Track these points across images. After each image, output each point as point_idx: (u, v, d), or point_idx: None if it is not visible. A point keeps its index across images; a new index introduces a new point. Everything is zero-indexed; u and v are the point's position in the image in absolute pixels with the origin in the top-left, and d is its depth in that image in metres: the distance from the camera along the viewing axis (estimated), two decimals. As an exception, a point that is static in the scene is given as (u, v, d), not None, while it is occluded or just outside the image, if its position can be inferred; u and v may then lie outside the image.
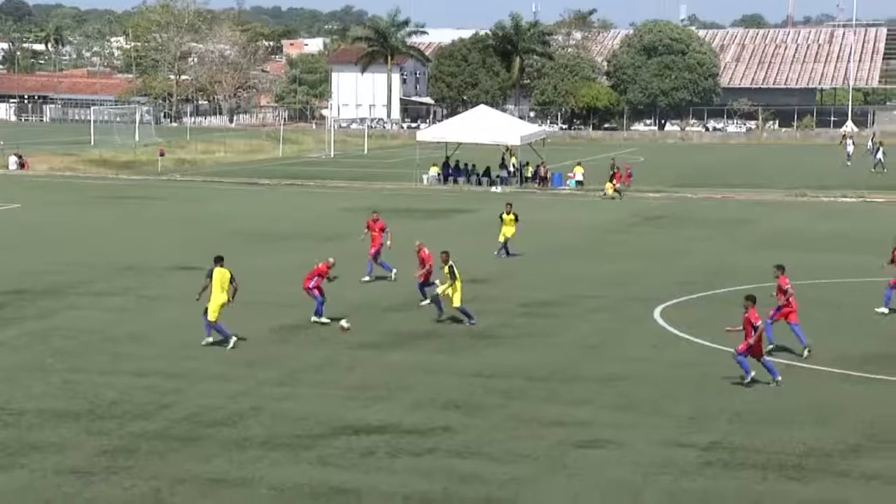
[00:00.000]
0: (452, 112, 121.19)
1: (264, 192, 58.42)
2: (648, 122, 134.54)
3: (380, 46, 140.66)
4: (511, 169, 64.04)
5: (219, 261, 23.45)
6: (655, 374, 21.48)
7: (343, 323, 24.72)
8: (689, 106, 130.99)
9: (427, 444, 17.07)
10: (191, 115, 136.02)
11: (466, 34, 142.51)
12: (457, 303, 25.30)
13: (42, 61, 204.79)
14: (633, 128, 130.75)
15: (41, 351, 22.63)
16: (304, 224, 44.57)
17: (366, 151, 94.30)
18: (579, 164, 65.75)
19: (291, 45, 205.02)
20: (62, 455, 16.30)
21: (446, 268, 25.29)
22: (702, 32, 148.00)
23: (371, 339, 24.07)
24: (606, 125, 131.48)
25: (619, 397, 19.81)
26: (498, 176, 63.36)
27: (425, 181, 63.91)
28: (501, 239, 36.26)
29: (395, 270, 31.54)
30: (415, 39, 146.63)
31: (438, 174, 64.60)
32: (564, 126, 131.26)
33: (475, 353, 23.02)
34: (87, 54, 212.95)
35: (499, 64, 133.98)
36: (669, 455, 16.65)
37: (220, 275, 23.17)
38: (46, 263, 32.87)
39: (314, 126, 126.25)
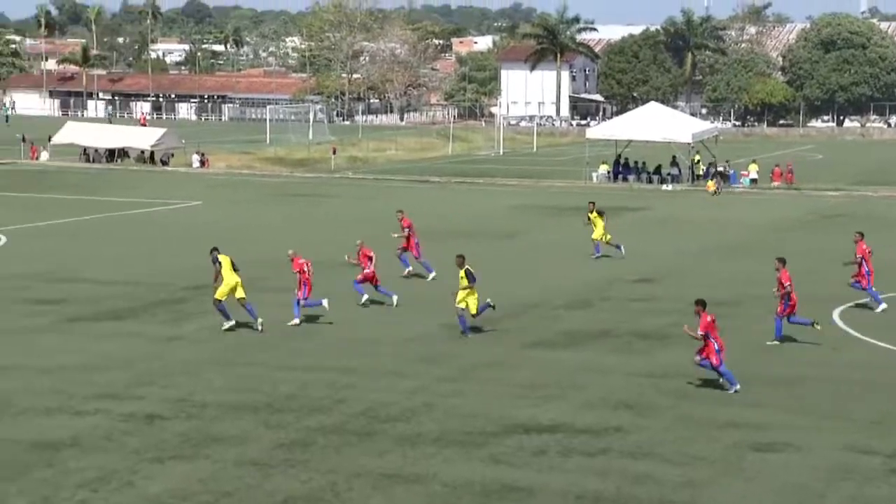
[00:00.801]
0: (622, 109, 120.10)
1: (434, 190, 58.92)
2: (826, 118, 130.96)
3: (549, 43, 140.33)
4: (691, 166, 63.00)
5: (216, 250, 24.67)
6: (835, 376, 20.90)
7: (324, 303, 25.01)
8: (869, 101, 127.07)
9: (599, 444, 16.97)
10: (362, 114, 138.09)
11: (637, 30, 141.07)
12: (473, 310, 24.04)
13: (221, 62, 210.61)
14: (809, 124, 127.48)
15: (220, 345, 23.26)
16: (474, 221, 44.77)
17: (535, 149, 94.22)
18: (754, 161, 64.47)
19: (461, 42, 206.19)
20: (242, 447, 16.74)
21: (462, 272, 24.10)
22: (883, 25, 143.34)
23: (542, 338, 24.05)
24: (781, 122, 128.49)
25: (796, 400, 19.34)
26: (668, 174, 62.55)
27: (595, 179, 63.51)
28: (596, 238, 35.15)
29: (433, 273, 31.06)
30: (584, 36, 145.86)
31: (608, 172, 64.14)
32: (738, 123, 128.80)
33: (646, 353, 22.78)
34: (264, 54, 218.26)
35: (670, 60, 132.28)
36: (852, 461, 16.18)
37: (225, 259, 24.34)
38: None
39: (483, 124, 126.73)
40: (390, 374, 21.07)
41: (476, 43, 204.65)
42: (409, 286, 29.73)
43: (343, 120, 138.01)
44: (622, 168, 64.22)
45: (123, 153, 72.22)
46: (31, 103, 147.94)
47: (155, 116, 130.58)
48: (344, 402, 19.15)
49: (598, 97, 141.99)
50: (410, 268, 31.70)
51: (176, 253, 35.27)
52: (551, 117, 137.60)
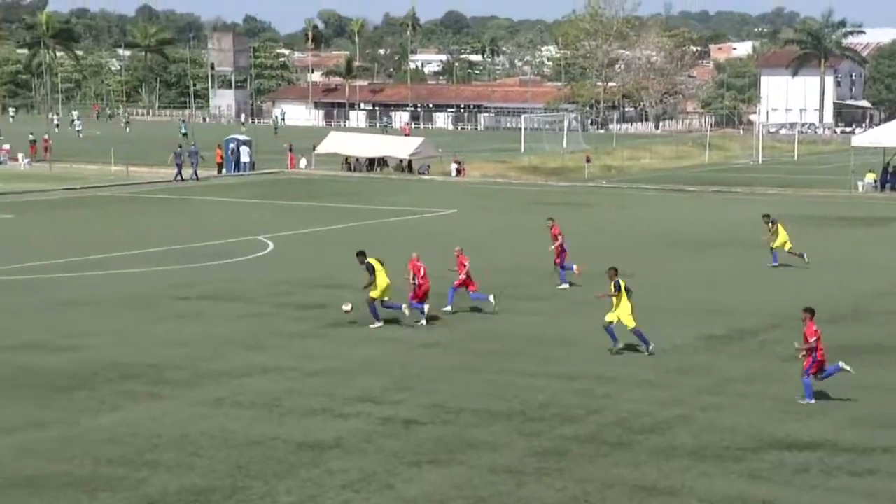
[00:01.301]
0: (891, 115, 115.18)
1: (689, 199, 57.98)
2: None
3: (812, 48, 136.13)
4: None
5: (363, 254, 25.85)
6: None
7: (345, 306, 25.47)
8: None
9: (866, 463, 16.30)
10: (617, 122, 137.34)
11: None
12: (630, 323, 23.02)
13: (477, 71, 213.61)
14: None
15: (473, 352, 23.52)
16: (731, 231, 43.81)
17: (796, 157, 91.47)
18: None
19: (719, 49, 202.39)
20: (496, 454, 16.89)
21: (612, 285, 23.16)
22: None
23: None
24: None
25: None
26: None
27: (860, 188, 61.13)
28: (776, 246, 34.26)
29: (565, 286, 30.60)
30: (851, 40, 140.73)
31: (875, 181, 61.62)
32: None
33: (916, 371, 21.74)
34: (519, 63, 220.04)
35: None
36: None
37: (376, 262, 25.57)
38: (476, 269, 34.10)
39: (741, 132, 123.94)
40: (645, 384, 20.85)
41: (735, 49, 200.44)
42: (665, 296, 29.33)
43: (597, 128, 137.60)
44: (890, 177, 61.57)
45: (383, 162, 74.14)
46: (297, 114, 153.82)
47: (413, 126, 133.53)
48: (598, 411, 19.07)
49: (864, 103, 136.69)
50: (566, 285, 30.98)
51: (430, 260, 35.85)
52: (813, 124, 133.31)
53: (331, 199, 56.35)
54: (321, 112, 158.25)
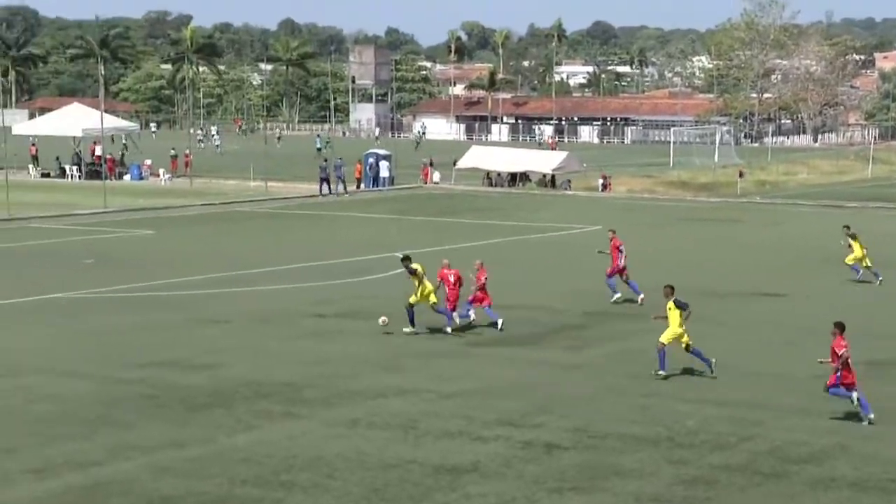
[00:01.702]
0: None
1: (849, 215, 56.60)
2: None
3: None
4: None
5: (408, 259, 27.10)
6: None
7: (382, 319, 26.53)
8: None
9: None
10: (772, 135, 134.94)
11: None
12: (665, 340, 22.68)
13: (625, 83, 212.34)
14: None
15: (618, 374, 23.29)
16: (893, 249, 42.57)
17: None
18: None
19: (885, 57, 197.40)
20: (641, 481, 16.65)
21: (670, 303, 22.73)
22: None
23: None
24: None
25: None
26: None
27: None
28: (851, 261, 34.50)
29: (642, 295, 30.40)
30: None
31: None
32: None
33: None
34: (669, 75, 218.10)
35: None
36: None
37: (421, 267, 26.82)
38: (626, 288, 33.89)
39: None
40: (800, 411, 20.36)
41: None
42: (820, 317, 28.63)
43: (751, 142, 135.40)
44: None
45: (525, 177, 74.12)
46: (438, 128, 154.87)
47: (557, 139, 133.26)
48: (750, 439, 18.67)
49: None
50: (619, 294, 31.04)
51: (577, 278, 35.75)
52: None
53: (471, 214, 56.53)
54: (462, 126, 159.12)
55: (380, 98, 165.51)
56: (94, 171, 73.68)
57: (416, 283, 26.92)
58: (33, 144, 79.44)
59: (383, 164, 72.22)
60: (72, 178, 74.85)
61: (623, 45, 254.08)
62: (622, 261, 31.43)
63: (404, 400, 21.30)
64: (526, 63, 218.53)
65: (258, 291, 33.55)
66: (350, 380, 22.83)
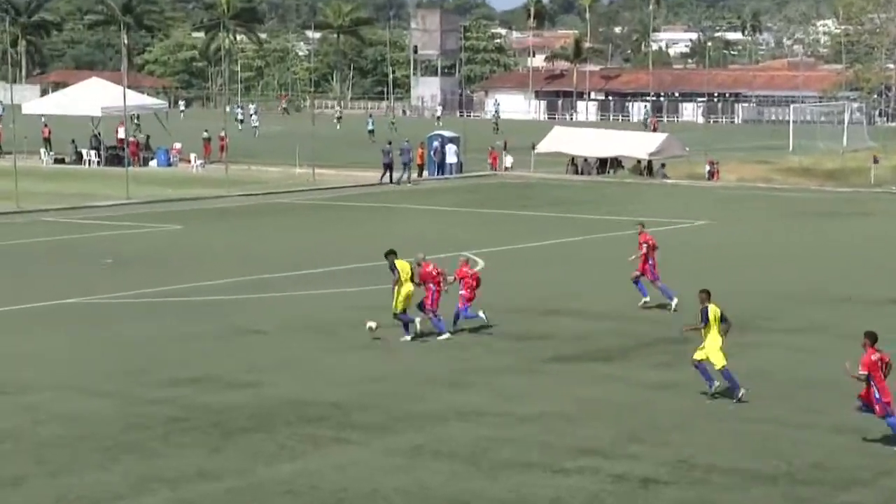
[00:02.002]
0: None
1: None
2: None
3: None
4: None
5: (393, 254, 28.18)
6: None
7: (371, 324, 27.76)
8: None
9: None
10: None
11: None
12: (718, 361, 22.57)
13: (735, 53, 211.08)
14: None
15: (719, 394, 23.09)
16: None
17: None
18: None
19: None
20: (752, 523, 16.56)
21: (699, 313, 22.84)
22: None
23: None
24: None
25: None
26: None
27: None
28: None
29: (675, 300, 30.75)
30: None
31: None
32: None
33: None
34: (788, 42, 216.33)
35: None
36: None
37: (403, 266, 27.93)
38: (725, 292, 33.71)
39: None
40: (942, 442, 20.12)
41: None
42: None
43: (887, 121, 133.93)
44: None
45: (617, 163, 73.89)
46: (514, 105, 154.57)
47: (656, 119, 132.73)
48: (888, 473, 18.55)
49: None
50: (648, 298, 31.37)
51: (676, 283, 35.55)
52: None
53: (551, 207, 56.48)
54: (543, 103, 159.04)
55: (446, 71, 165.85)
56: (115, 156, 74.50)
57: (394, 285, 27.93)
58: (46, 125, 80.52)
59: (450, 149, 72.36)
60: (89, 164, 75.82)
61: (733, 8, 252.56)
62: (646, 255, 31.72)
63: (472, 424, 21.35)
64: (618, 29, 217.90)
65: (302, 296, 33.76)
66: (409, 400, 22.92)
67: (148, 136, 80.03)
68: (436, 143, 72.58)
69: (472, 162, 74.90)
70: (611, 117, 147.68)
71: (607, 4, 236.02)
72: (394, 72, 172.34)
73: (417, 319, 28.21)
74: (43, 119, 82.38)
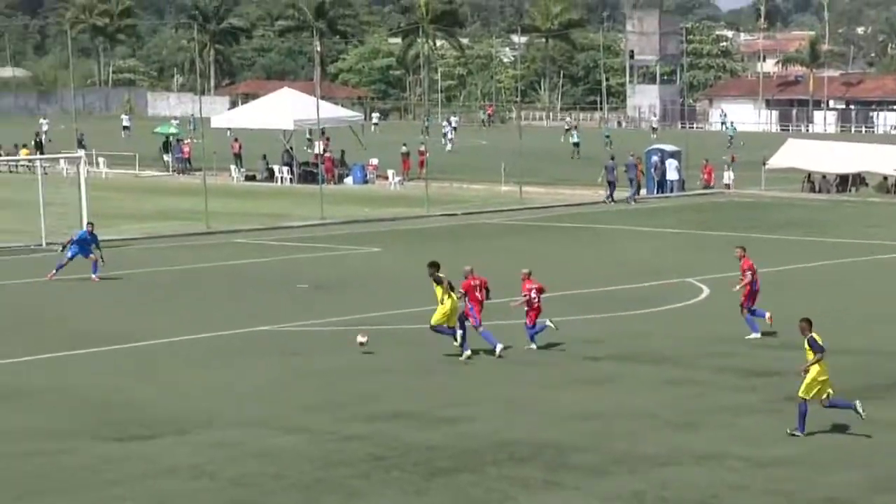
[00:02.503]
0: None
1: None
2: None
3: None
4: None
5: (435, 266, 29.78)
6: None
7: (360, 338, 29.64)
8: None
9: None
10: None
11: None
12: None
13: None
14: None
15: None
16: None
17: None
18: None
19: None
20: None
21: (806, 342, 22.75)
22: None
23: None
24: None
25: None
26: None
27: None
28: None
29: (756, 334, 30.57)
30: None
31: None
32: None
33: None
34: None
35: None
36: None
37: (443, 282, 29.37)
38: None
39: None
40: None
41: None
42: None
43: None
44: None
45: (860, 180, 72.53)
46: (742, 115, 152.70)
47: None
48: None
49: None
50: (757, 335, 31.22)
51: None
52: None
53: (784, 229, 55.69)
54: (774, 113, 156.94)
55: (665, 78, 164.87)
56: (308, 172, 75.81)
57: (440, 297, 29.56)
58: (236, 140, 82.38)
59: (671, 164, 71.96)
60: (282, 181, 77.33)
61: None
62: (750, 284, 31.71)
63: (704, 468, 21.19)
64: (860, 30, 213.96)
65: (511, 326, 33.90)
66: (630, 440, 22.85)
67: (343, 152, 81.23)
68: (655, 158, 72.25)
69: (695, 179, 74.32)
70: (852, 129, 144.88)
71: (848, 2, 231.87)
72: (608, 79, 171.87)
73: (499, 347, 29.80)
74: (229, 132, 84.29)
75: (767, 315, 31.61)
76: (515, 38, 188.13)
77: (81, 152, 65.20)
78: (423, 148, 79.36)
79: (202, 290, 40.36)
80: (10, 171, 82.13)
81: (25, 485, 20.62)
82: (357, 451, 22.18)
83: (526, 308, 30.54)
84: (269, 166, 79.54)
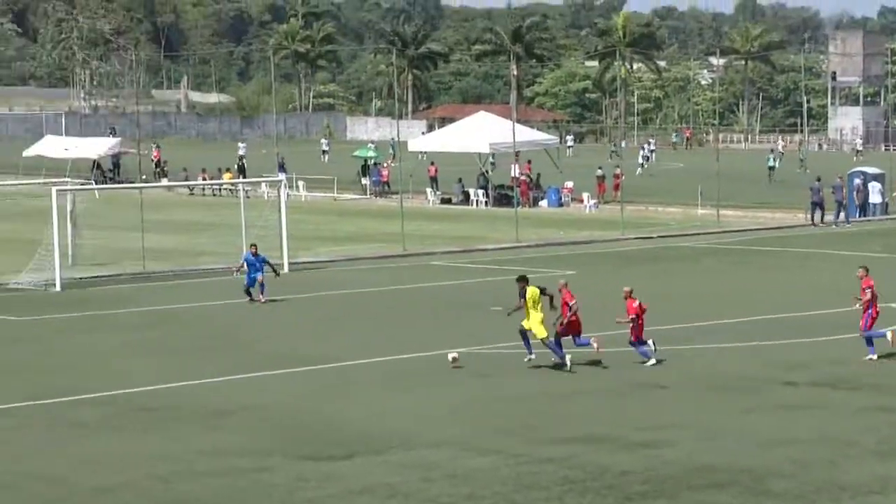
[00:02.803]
0: None
1: None
2: None
3: None
4: None
5: (524, 280, 30.59)
6: None
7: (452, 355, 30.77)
8: None
9: None
10: None
11: None
12: None
13: None
14: None
15: None
16: None
17: None
18: None
19: None
20: None
21: None
22: None
23: None
24: None
25: None
26: None
27: None
28: None
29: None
30: None
31: None
32: None
33: None
34: None
35: None
36: None
37: (532, 293, 30.13)
38: None
39: None
40: None
41: None
42: None
43: None
44: None
45: None
46: None
47: None
48: None
49: None
50: (874, 356, 30.83)
51: None
52: None
53: None
54: None
55: (869, 100, 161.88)
56: (504, 195, 76.04)
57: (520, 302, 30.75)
58: (432, 163, 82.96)
59: (873, 187, 70.66)
60: (477, 204, 77.65)
61: None
62: (869, 302, 31.30)
63: (909, 500, 20.71)
64: None
65: (704, 350, 33.55)
66: (831, 468, 22.41)
67: (538, 175, 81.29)
68: (857, 181, 70.97)
69: (900, 202, 72.83)
70: None
71: None
72: (808, 101, 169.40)
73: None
74: (421, 156, 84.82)
75: (889, 333, 31.29)
76: (714, 60, 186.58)
77: (282, 176, 66.42)
78: (618, 171, 79.08)
79: (397, 312, 40.68)
80: (214, 195, 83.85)
81: (223, 503, 20.94)
82: (551, 474, 22.09)
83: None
84: (465, 189, 79.95)
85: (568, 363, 30.41)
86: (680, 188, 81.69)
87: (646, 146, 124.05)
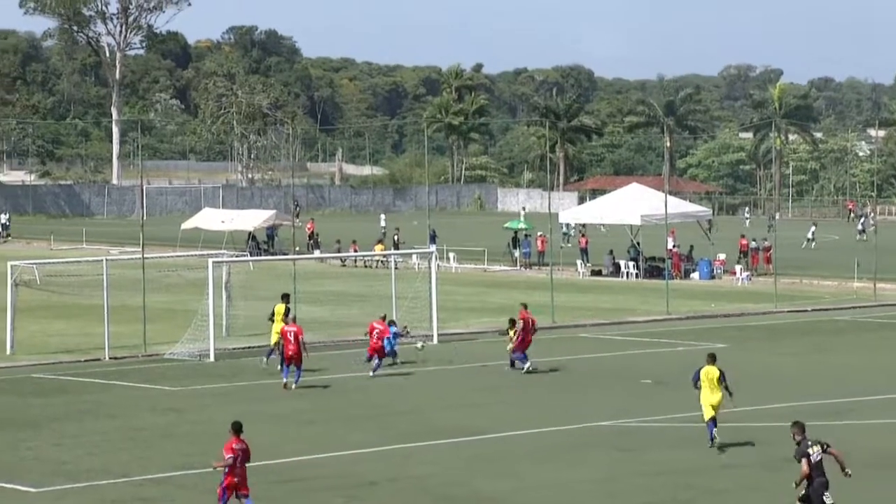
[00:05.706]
0: None
1: None
2: None
3: None
4: None
5: (712, 358, 30.53)
6: None
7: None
8: None
9: None
10: None
11: None
12: None
13: None
14: None
15: None
16: None
17: None
18: None
19: None
20: None
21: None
22: None
23: None
24: None
25: None
26: None
27: None
28: None
29: None
30: None
31: None
32: None
33: None
34: None
35: None
36: None
37: (709, 373, 30.09)
38: None
39: None
40: None
41: None
42: None
43: None
44: None
45: None
46: None
47: None
48: None
49: None
50: None
51: None
52: None
53: None
54: None
55: None
56: (654, 267, 75.60)
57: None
58: (583, 235, 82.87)
59: None
60: (627, 276, 77.27)
61: None
62: None
63: None
64: None
65: (869, 426, 33.09)
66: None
67: (691, 247, 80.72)
68: None
69: None
70: None
71: None
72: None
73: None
74: (563, 228, 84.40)
75: None
76: (872, 131, 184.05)
77: (433, 247, 66.72)
78: (768, 243, 78.28)
79: (546, 384, 40.60)
80: (366, 266, 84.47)
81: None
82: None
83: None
84: (616, 261, 79.63)
85: (716, 438, 30.01)
86: (836, 261, 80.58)
87: (812, 226, 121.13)
